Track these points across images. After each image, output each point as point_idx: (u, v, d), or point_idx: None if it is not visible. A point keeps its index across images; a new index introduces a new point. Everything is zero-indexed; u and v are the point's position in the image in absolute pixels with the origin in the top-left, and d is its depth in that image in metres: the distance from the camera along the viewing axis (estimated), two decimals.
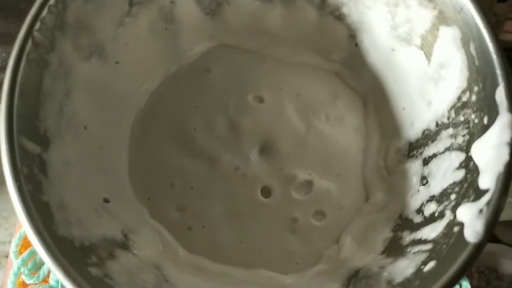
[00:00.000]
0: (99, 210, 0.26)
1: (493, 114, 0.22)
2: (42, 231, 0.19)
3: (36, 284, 0.35)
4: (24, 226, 0.19)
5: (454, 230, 0.22)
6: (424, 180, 0.29)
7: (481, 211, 0.21)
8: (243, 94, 0.34)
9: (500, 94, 0.22)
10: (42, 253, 0.19)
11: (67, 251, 0.20)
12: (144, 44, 0.31)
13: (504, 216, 0.36)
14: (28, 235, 0.19)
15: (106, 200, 0.28)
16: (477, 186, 0.22)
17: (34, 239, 0.19)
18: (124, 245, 0.27)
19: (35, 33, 0.22)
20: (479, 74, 0.24)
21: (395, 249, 0.27)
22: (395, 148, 0.32)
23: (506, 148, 0.21)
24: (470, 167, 0.24)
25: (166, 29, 0.32)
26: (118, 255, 0.25)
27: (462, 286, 0.39)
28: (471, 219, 0.21)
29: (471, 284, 0.62)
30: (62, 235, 0.21)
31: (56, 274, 0.18)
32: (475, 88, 0.24)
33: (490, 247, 0.59)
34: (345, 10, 0.31)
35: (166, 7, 0.30)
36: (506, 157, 0.21)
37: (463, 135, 0.25)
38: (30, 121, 0.22)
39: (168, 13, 0.31)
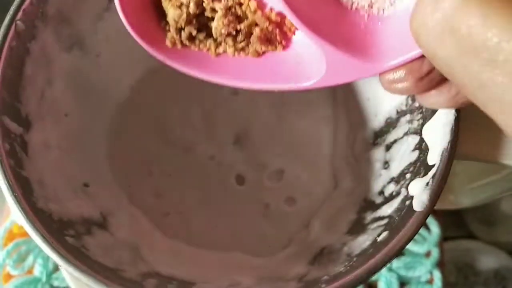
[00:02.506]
0: (78, 192, 0.28)
1: None
2: (21, 201, 0.21)
3: (21, 275, 0.36)
4: (5, 196, 0.21)
5: (406, 204, 0.24)
6: (386, 165, 0.31)
7: (427, 184, 0.23)
8: (219, 87, 0.35)
9: None
10: (21, 220, 0.20)
11: (45, 221, 0.22)
12: (124, 39, 0.33)
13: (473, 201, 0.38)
14: (9, 204, 0.20)
15: (86, 185, 0.30)
16: (426, 163, 0.24)
17: (14, 207, 0.20)
18: (102, 225, 0.28)
19: (18, 22, 0.24)
20: None
21: (358, 228, 0.29)
22: (361, 137, 0.34)
23: (449, 126, 0.23)
24: (422, 148, 0.26)
25: None
26: (96, 233, 0.27)
27: (433, 275, 0.40)
28: (419, 191, 0.23)
29: (449, 280, 0.63)
30: (41, 207, 0.22)
31: (34, 239, 0.20)
32: None
33: (467, 244, 0.61)
34: None
35: None
36: (449, 135, 0.23)
37: (418, 120, 0.27)
38: (12, 104, 0.24)
39: None
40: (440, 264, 0.41)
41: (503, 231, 0.62)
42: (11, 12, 0.23)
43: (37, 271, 0.36)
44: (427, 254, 0.40)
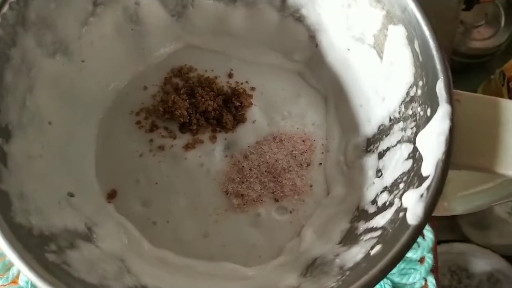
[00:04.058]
0: (62, 203, 0.27)
1: (434, 106, 0.24)
2: None
3: (5, 285, 0.35)
4: None
5: (400, 216, 0.23)
6: (379, 173, 0.30)
7: (422, 195, 0.22)
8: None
9: (440, 87, 0.23)
10: None
11: (23, 237, 0.21)
12: (110, 44, 0.32)
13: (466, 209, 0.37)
14: None
15: (71, 195, 0.29)
16: (420, 174, 0.23)
17: None
18: (87, 237, 0.27)
19: None
20: (423, 69, 0.25)
21: (350, 238, 0.28)
22: (354, 144, 0.33)
23: (444, 136, 0.22)
24: (416, 157, 0.25)
25: (132, 29, 0.33)
26: (80, 246, 0.26)
27: (428, 281, 0.40)
28: (413, 203, 0.22)
29: (443, 283, 0.63)
30: (19, 222, 0.22)
31: (9, 256, 0.19)
32: (420, 83, 0.25)
33: (461, 247, 0.60)
34: (304, 12, 0.33)
35: (130, 8, 0.31)
36: (444, 145, 0.22)
37: (411, 128, 0.26)
38: None
39: (133, 14, 0.32)
40: (434, 270, 0.40)
41: (496, 234, 0.62)
42: None
43: (22, 281, 0.35)
44: (421, 260, 0.39)
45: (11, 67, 0.24)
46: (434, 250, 0.40)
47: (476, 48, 0.60)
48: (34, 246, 0.21)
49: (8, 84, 0.24)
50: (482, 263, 0.61)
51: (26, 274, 0.19)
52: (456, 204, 0.35)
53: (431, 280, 0.39)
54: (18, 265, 0.19)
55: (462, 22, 0.60)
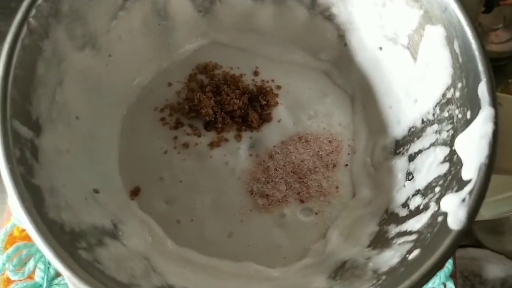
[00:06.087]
0: (88, 199, 0.27)
1: (475, 109, 0.23)
2: (33, 212, 0.19)
3: (21, 280, 0.35)
4: (15, 207, 0.19)
5: (438, 220, 0.23)
6: (409, 176, 0.29)
7: (463, 200, 0.22)
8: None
9: (482, 89, 0.23)
10: (32, 233, 0.19)
11: (57, 233, 0.20)
12: (137, 39, 0.32)
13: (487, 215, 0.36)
14: (19, 216, 0.19)
15: (96, 191, 0.28)
16: (460, 177, 0.23)
17: (25, 218, 0.19)
18: (114, 235, 0.27)
19: (31, 19, 0.22)
20: (463, 71, 0.25)
21: (381, 242, 0.28)
22: (381, 145, 0.32)
23: (487, 140, 0.22)
24: (454, 160, 0.24)
25: (159, 24, 0.32)
26: (107, 243, 0.25)
27: (447, 286, 0.39)
28: (454, 208, 0.22)
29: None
30: (52, 218, 0.21)
31: (46, 254, 0.19)
32: (459, 85, 0.25)
33: (474, 252, 0.60)
34: (334, 10, 0.32)
35: (159, 2, 0.31)
36: (487, 148, 0.22)
37: (447, 130, 0.26)
38: (23, 105, 0.22)
39: (162, 9, 0.32)
40: (453, 275, 0.40)
41: (511, 240, 0.62)
42: (23, 8, 0.22)
43: (38, 276, 0.35)
44: None
45: (43, 59, 0.24)
46: (453, 256, 0.39)
47: (493, 51, 0.59)
48: (67, 243, 0.21)
49: (40, 76, 0.24)
50: (496, 269, 0.60)
51: (62, 272, 0.18)
52: (484, 210, 0.35)
53: (450, 286, 0.39)
54: (54, 262, 0.18)
55: (479, 24, 0.60)
